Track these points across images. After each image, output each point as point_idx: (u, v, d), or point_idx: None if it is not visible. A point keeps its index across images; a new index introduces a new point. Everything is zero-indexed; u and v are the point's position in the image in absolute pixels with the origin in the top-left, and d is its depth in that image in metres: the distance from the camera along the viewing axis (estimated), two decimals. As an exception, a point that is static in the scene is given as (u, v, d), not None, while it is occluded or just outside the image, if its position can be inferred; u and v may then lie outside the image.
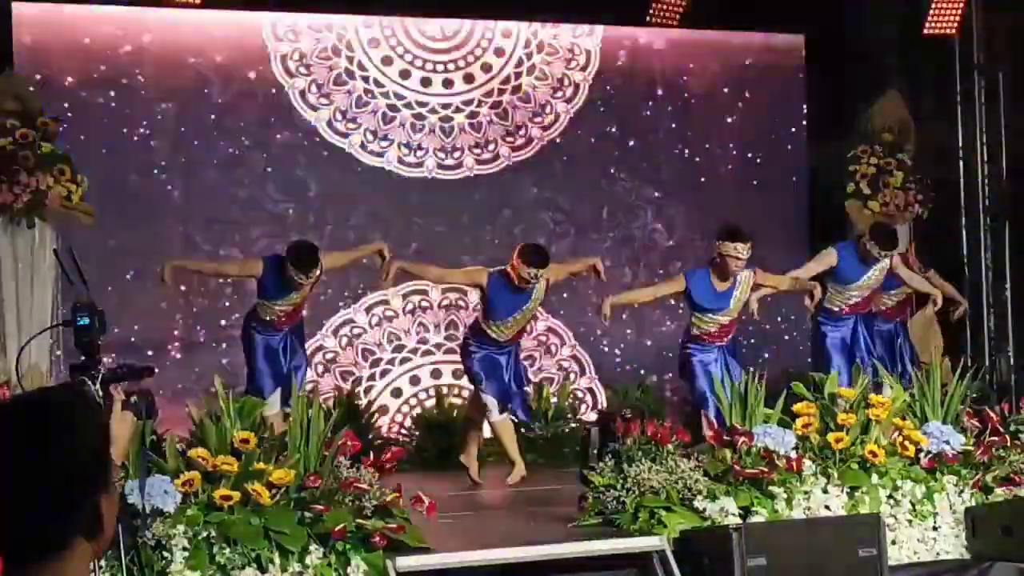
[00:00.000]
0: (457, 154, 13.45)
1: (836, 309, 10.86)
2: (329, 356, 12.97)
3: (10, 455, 2.12)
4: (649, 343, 13.72)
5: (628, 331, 13.75)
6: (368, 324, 13.15)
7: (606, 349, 13.69)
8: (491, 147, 13.57)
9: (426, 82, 13.44)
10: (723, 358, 10.11)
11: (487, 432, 10.84)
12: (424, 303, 13.31)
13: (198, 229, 12.61)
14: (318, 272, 10.13)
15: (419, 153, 13.35)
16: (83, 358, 4.70)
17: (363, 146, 13.22)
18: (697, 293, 10.07)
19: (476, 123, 13.53)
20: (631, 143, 13.93)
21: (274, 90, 13.00)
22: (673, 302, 12.42)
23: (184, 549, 6.64)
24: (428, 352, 13.26)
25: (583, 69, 13.85)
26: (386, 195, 13.20)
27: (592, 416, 13.06)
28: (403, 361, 13.21)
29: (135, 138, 12.49)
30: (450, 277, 11.14)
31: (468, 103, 13.54)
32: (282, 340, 10.43)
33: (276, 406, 9.95)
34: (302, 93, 13.06)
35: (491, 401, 10.33)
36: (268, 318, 10.34)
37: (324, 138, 13.10)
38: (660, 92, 14.07)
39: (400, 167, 13.26)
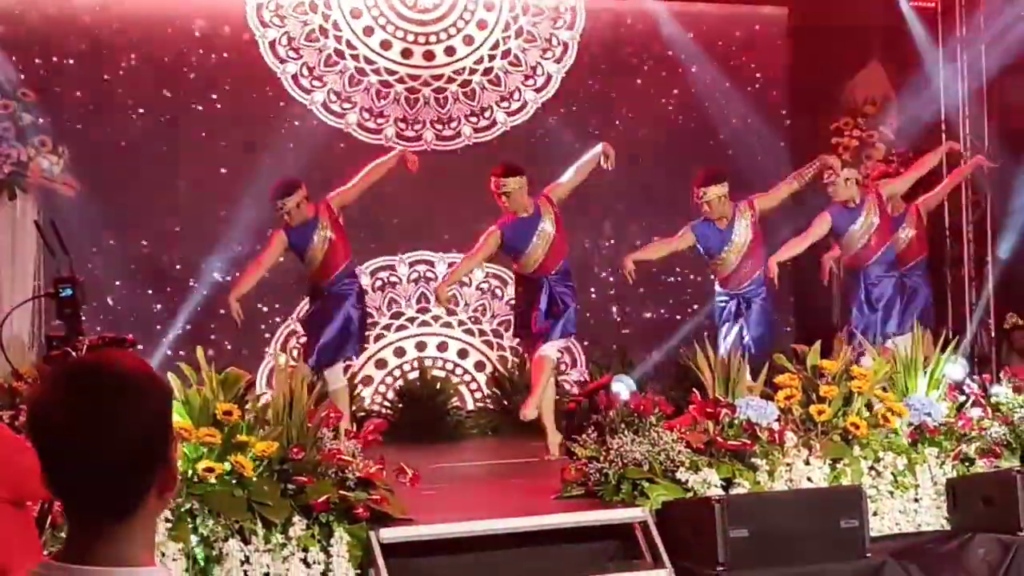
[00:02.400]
0: (454, 124, 13.46)
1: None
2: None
3: (87, 419, 2.13)
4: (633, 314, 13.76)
5: (610, 302, 13.80)
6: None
7: (591, 321, 13.68)
8: (487, 114, 13.57)
9: (408, 53, 13.42)
10: (745, 316, 10.36)
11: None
12: (393, 278, 13.31)
13: (185, 203, 12.56)
14: (292, 199, 10.05)
15: (416, 127, 13.35)
16: (65, 329, 4.71)
17: (360, 125, 13.21)
18: (704, 240, 10.50)
19: (470, 91, 13.53)
20: (612, 113, 13.93)
21: (264, 75, 12.98)
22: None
23: (167, 520, 6.63)
24: (402, 327, 13.25)
25: (570, 28, 13.85)
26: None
27: (573, 376, 13.12)
28: (377, 338, 13.19)
29: (118, 113, 12.44)
30: (479, 257, 10.62)
31: (460, 72, 13.53)
32: (320, 308, 10.32)
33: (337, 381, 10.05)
34: (294, 77, 13.03)
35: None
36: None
37: (320, 119, 13.09)
38: (642, 64, 14.04)
39: (398, 142, 13.24)
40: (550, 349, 10.26)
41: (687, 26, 14.03)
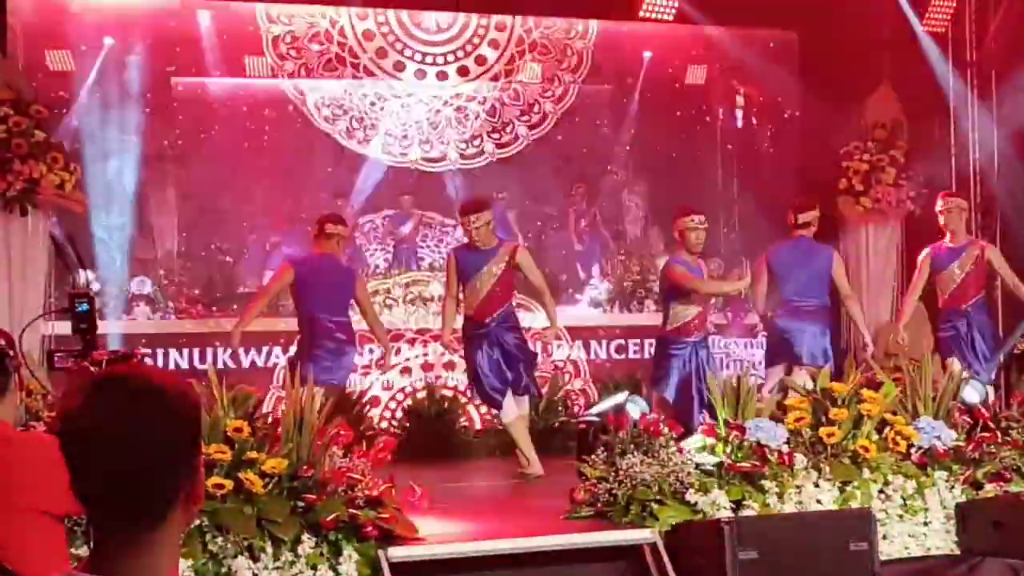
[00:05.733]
0: (443, 147, 13.52)
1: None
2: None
3: (118, 428, 2.14)
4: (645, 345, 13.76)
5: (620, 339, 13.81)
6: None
7: (601, 347, 13.69)
8: (476, 142, 13.61)
9: (419, 74, 13.49)
10: (696, 357, 10.25)
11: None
12: (426, 294, 13.35)
13: (190, 219, 12.62)
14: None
15: (404, 143, 13.41)
16: (81, 344, 4.73)
17: (348, 133, 13.27)
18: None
19: (463, 117, 13.58)
20: (620, 140, 13.96)
21: (265, 75, 13.08)
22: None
23: (177, 537, 6.62)
24: (426, 343, 13.27)
25: (574, 71, 13.91)
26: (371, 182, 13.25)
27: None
28: (396, 352, 13.22)
29: (127, 127, 12.51)
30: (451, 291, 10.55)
31: (457, 96, 13.58)
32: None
33: None
34: (291, 74, 13.13)
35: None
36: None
37: (312, 123, 13.17)
38: (652, 89, 14.08)
39: (385, 156, 13.30)
40: (513, 412, 10.23)
41: (697, 51, 14.07)
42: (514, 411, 10.20)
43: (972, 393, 9.07)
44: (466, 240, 10.37)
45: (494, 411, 10.44)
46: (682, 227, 10.32)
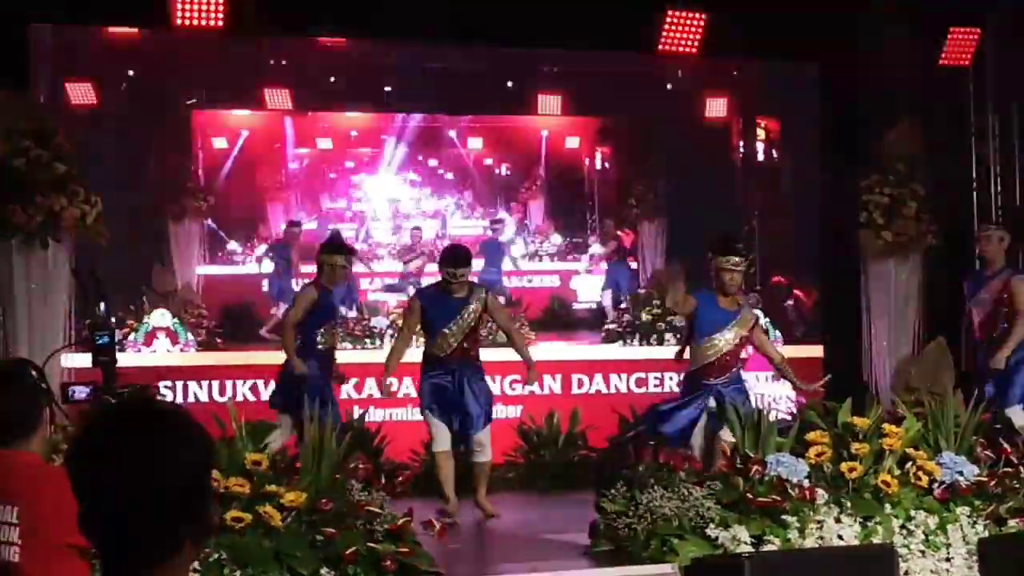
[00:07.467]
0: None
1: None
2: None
3: (131, 461, 2.12)
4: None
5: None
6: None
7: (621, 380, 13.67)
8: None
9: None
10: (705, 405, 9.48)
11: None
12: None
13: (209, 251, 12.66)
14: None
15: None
16: (103, 377, 4.73)
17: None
18: (704, 312, 9.60)
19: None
20: (638, 171, 13.97)
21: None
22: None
23: (195, 571, 6.62)
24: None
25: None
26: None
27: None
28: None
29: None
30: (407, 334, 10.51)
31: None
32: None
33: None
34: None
35: (437, 430, 10.14)
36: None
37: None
38: (672, 120, 14.08)
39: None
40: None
41: (717, 83, 14.06)
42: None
43: (1020, 415, 9.01)
44: (440, 285, 10.10)
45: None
46: (717, 266, 9.66)
